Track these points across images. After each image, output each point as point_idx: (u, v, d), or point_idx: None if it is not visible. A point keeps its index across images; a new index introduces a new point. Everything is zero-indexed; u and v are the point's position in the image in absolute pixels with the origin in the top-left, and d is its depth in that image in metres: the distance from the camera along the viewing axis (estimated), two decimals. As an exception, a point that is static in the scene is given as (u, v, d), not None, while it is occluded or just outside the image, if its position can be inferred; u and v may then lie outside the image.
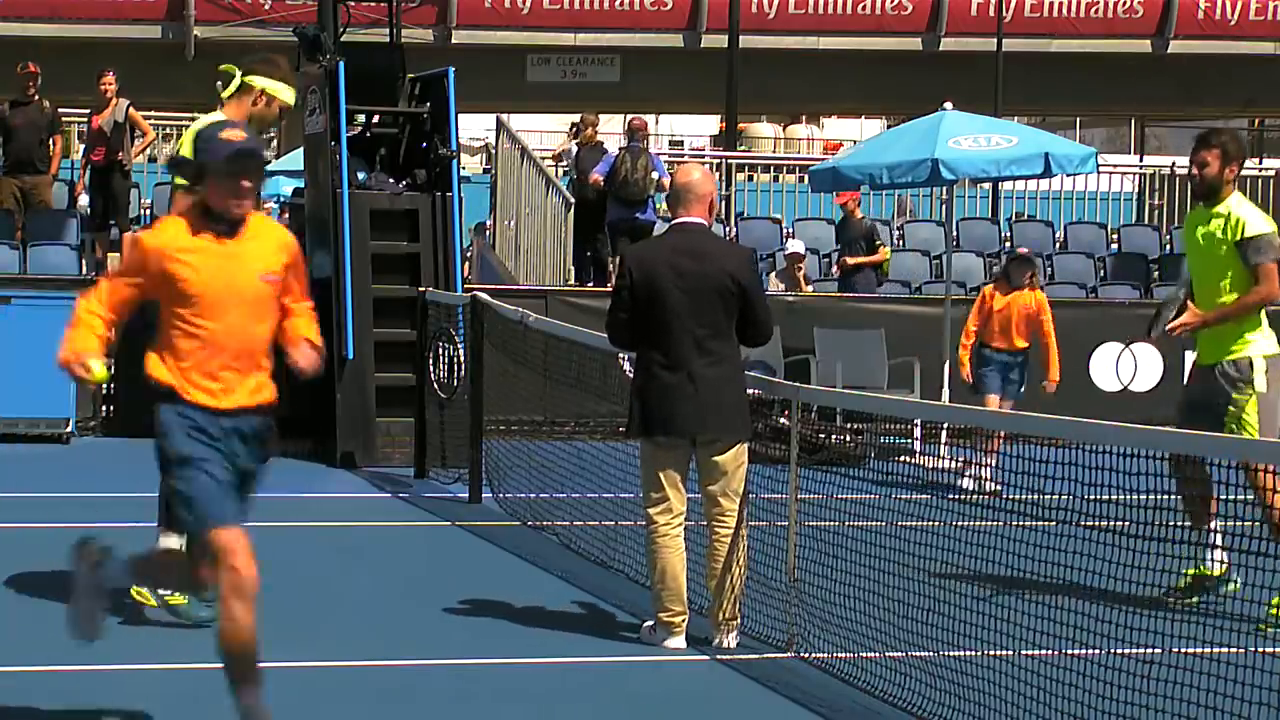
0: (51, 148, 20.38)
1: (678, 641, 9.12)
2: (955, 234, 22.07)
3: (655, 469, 9.06)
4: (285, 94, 9.68)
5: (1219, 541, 10.17)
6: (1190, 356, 19.53)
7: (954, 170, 17.12)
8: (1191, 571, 10.17)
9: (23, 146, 20.21)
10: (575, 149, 22.83)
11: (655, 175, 21.25)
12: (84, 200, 21.19)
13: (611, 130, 40.41)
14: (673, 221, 9.24)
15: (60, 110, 20.82)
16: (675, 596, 9.09)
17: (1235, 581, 9.97)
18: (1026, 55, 33.98)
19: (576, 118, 23.55)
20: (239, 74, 9.64)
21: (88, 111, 20.97)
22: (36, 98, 20.24)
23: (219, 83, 9.71)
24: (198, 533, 7.02)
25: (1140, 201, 28.60)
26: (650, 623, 9.26)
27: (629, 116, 22.76)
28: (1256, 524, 9.73)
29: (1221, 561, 10.23)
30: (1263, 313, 10.38)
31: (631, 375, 9.35)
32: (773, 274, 21.21)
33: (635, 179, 21.01)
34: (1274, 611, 9.45)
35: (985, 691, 7.79)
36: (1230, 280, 10.29)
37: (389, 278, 16.43)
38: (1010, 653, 7.98)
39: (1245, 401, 10.21)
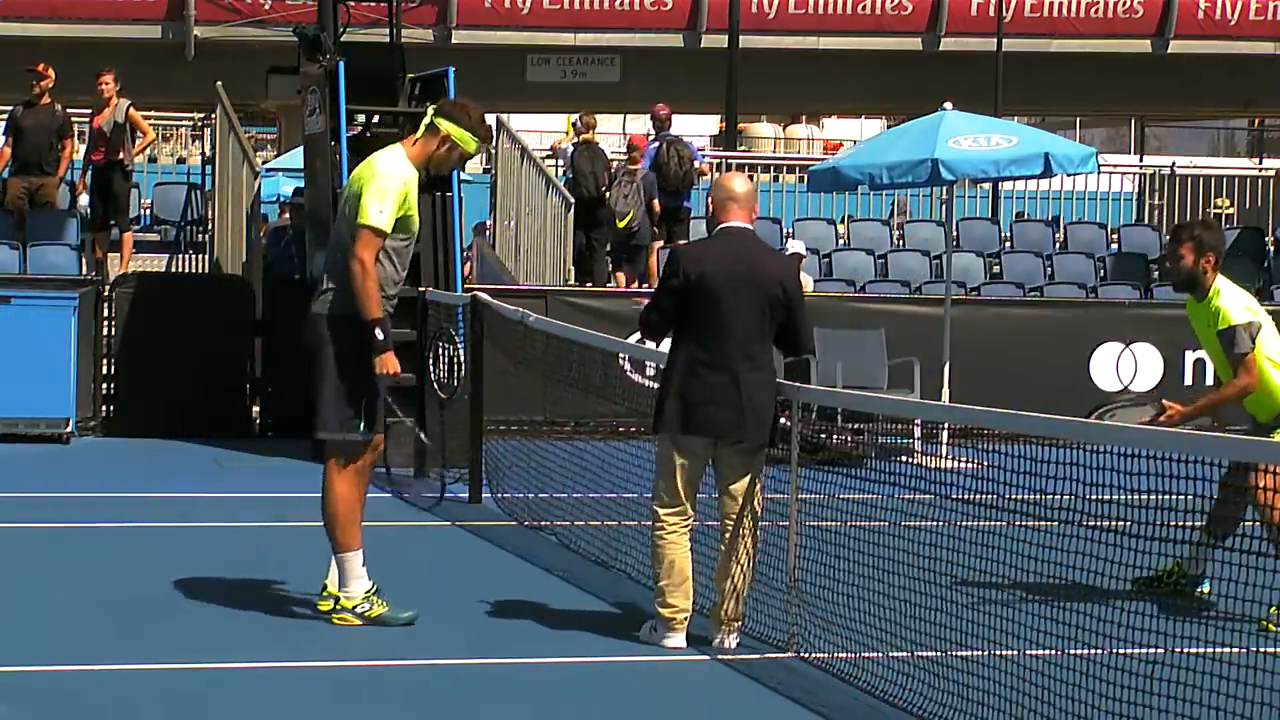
0: (60, 151, 20.38)
1: (678, 640, 9.11)
2: (955, 234, 22.06)
3: (678, 469, 9.05)
4: (470, 144, 9.56)
5: (1205, 540, 10.26)
6: (1191, 356, 19.67)
7: (954, 170, 17.11)
8: (1172, 568, 10.28)
9: (32, 148, 20.19)
10: (571, 149, 22.86)
11: (696, 163, 21.69)
12: (84, 200, 21.19)
13: (611, 130, 40.45)
14: (720, 226, 9.21)
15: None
16: (681, 591, 9.10)
17: (1209, 586, 10.08)
18: (1026, 55, 33.98)
19: (576, 117, 23.61)
20: (431, 117, 9.56)
21: (89, 112, 20.97)
22: (47, 100, 20.23)
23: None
24: None
25: (1140, 201, 28.60)
26: (651, 622, 9.26)
27: (655, 105, 22.86)
28: (1255, 524, 9.77)
29: (1204, 560, 10.32)
30: None
31: (664, 371, 9.23)
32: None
33: (680, 170, 21.31)
34: (1275, 610, 9.49)
35: (987, 691, 7.78)
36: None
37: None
38: (1012, 652, 7.98)
39: None
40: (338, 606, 9.47)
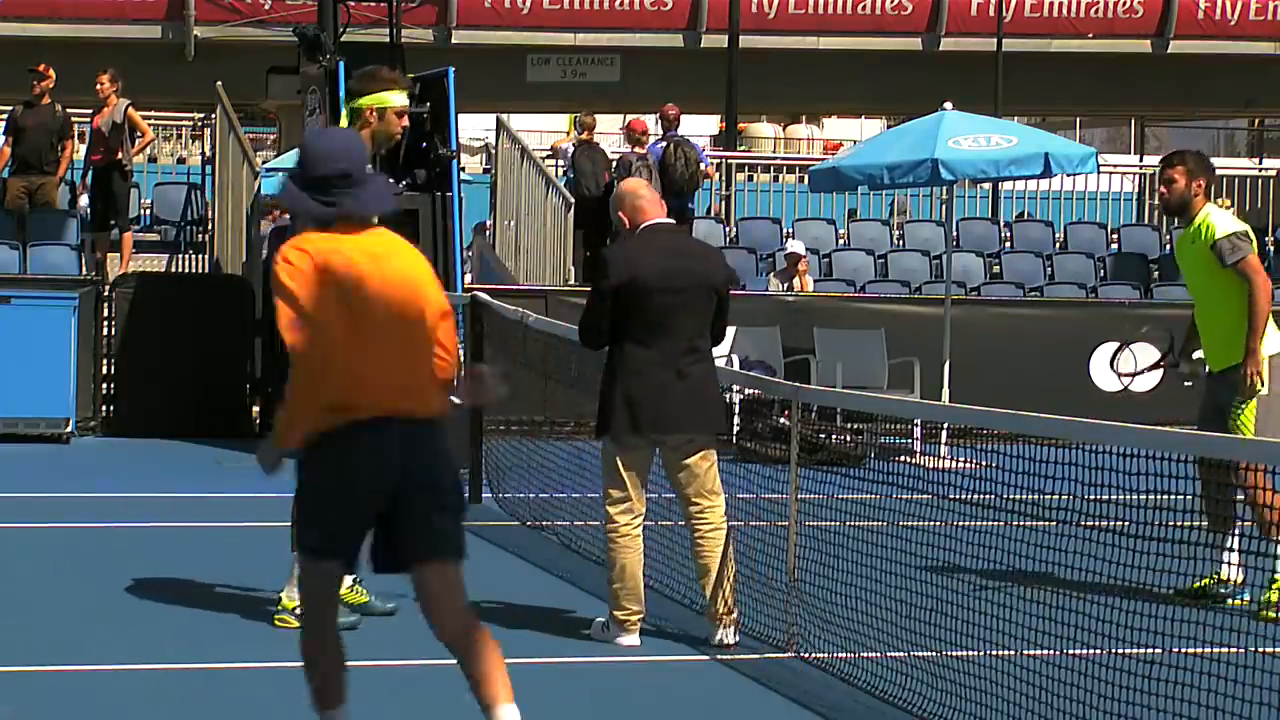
0: (60, 151, 20.39)
1: (632, 639, 9.15)
2: (955, 234, 22.06)
3: (622, 469, 9.08)
4: (393, 99, 9.42)
5: (1237, 546, 10.18)
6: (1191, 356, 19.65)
7: (954, 170, 17.11)
8: (1206, 581, 10.16)
9: (32, 148, 20.22)
10: (572, 149, 22.85)
11: (703, 165, 21.61)
12: (84, 201, 21.21)
13: (610, 130, 40.55)
14: (645, 224, 9.14)
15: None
16: (634, 595, 9.14)
17: (1246, 595, 9.99)
18: (1026, 55, 33.97)
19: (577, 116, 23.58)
20: (347, 107, 9.53)
21: (89, 112, 20.99)
22: (48, 100, 20.25)
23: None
24: None
25: (1140, 201, 28.61)
26: (602, 620, 9.27)
27: (665, 105, 22.75)
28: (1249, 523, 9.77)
29: (1240, 566, 10.22)
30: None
31: (607, 374, 9.16)
32: (772, 274, 21.23)
33: (689, 171, 21.24)
34: (1270, 597, 9.52)
35: (986, 691, 7.79)
36: (1217, 286, 10.48)
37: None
38: (1011, 653, 7.98)
39: (1247, 406, 10.33)
40: (279, 607, 9.41)
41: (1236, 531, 10.19)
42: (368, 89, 9.46)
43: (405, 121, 9.61)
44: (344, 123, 9.55)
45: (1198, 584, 9.98)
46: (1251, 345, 10.35)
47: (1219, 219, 10.55)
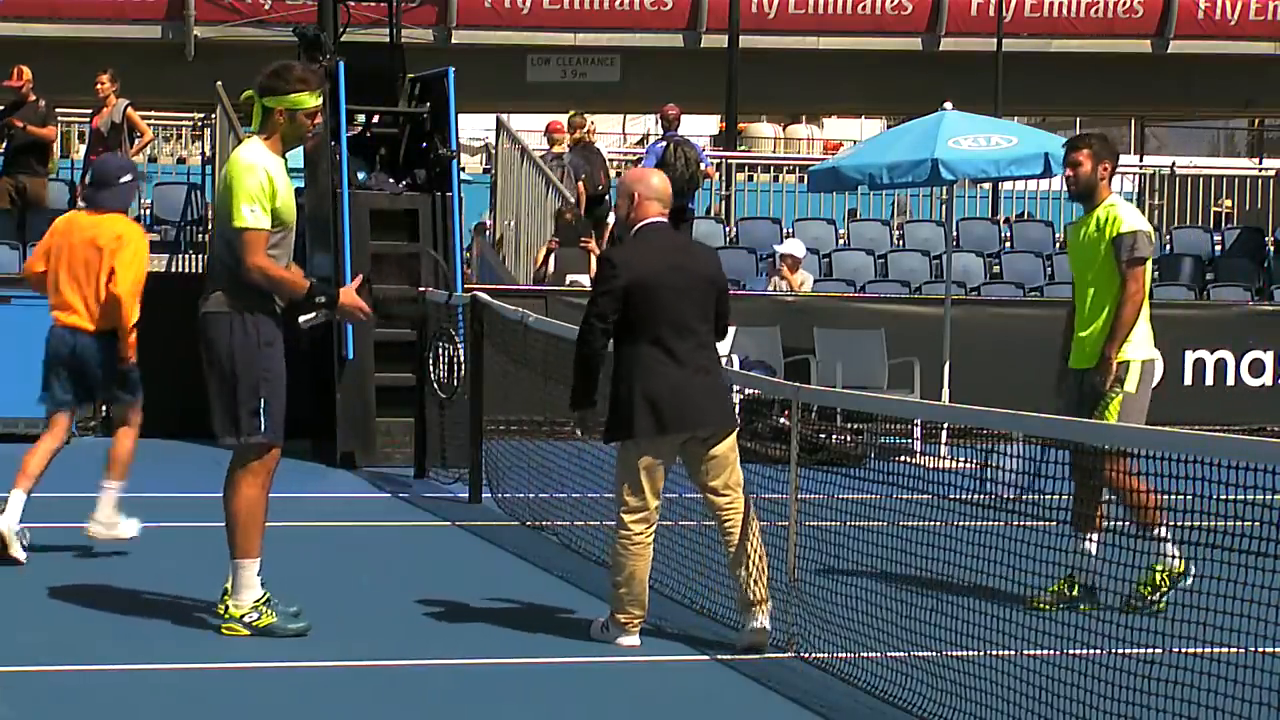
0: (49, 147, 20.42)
1: (632, 639, 9.13)
2: (955, 234, 22.06)
3: (643, 474, 9.02)
4: (305, 100, 9.16)
5: (1168, 535, 10.02)
6: (1190, 357, 19.67)
7: (954, 170, 17.12)
8: (1065, 581, 9.86)
9: (21, 147, 20.21)
10: (568, 152, 22.86)
11: (703, 165, 21.58)
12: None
13: (610, 130, 40.46)
14: (643, 223, 9.16)
15: (60, 110, 20.83)
16: (638, 601, 9.12)
17: (1191, 575, 9.87)
18: (1026, 55, 34.00)
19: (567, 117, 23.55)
20: (258, 102, 9.20)
21: (89, 112, 21.01)
22: (31, 97, 20.25)
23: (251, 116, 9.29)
24: None
25: (1140, 201, 28.61)
26: (602, 621, 9.26)
27: (665, 105, 22.70)
28: (1256, 524, 9.73)
29: (1176, 556, 10.10)
30: (1140, 315, 10.43)
31: (619, 377, 9.07)
32: (769, 272, 21.25)
33: (689, 171, 21.23)
34: (1143, 589, 9.48)
35: (986, 691, 7.79)
36: (1107, 278, 10.40)
37: (389, 278, 16.42)
38: (1011, 653, 7.99)
39: (1112, 402, 10.25)
40: (226, 615, 9.22)
41: (1165, 521, 10.01)
42: (278, 88, 9.17)
43: (318, 121, 9.33)
44: (255, 121, 9.25)
45: (1062, 584, 9.81)
46: (1107, 353, 10.30)
47: (1126, 212, 10.40)
